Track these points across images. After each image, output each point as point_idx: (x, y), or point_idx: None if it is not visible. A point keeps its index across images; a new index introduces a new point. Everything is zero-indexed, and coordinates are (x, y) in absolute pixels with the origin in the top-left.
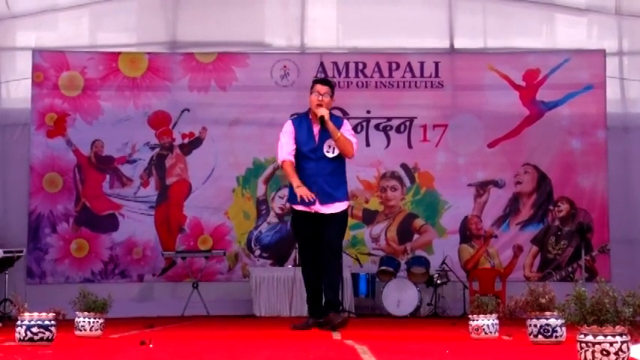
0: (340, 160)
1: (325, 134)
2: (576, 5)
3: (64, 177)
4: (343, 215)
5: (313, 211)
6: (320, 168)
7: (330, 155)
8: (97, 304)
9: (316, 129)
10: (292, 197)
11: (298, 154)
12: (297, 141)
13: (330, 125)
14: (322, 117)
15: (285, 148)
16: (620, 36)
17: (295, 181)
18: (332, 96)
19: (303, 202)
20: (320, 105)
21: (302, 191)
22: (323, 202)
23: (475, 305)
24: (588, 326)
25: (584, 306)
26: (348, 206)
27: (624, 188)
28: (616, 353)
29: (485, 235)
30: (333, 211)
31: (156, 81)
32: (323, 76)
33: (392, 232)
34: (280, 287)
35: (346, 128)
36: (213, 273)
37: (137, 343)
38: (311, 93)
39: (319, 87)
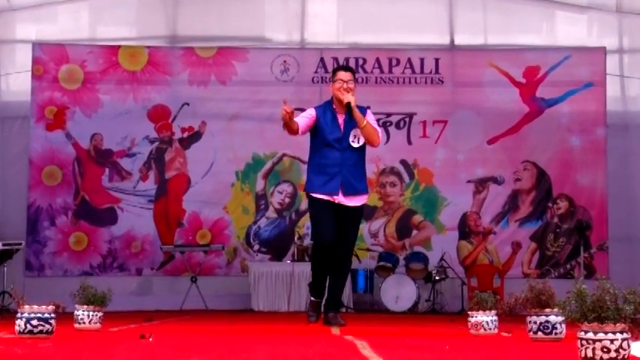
0: (363, 150)
1: (351, 124)
2: (577, 3)
3: (64, 170)
4: (362, 209)
5: (336, 202)
6: (345, 158)
7: (355, 145)
8: (97, 298)
9: (341, 118)
10: (311, 185)
11: (322, 143)
12: (320, 129)
13: (357, 112)
14: (349, 103)
15: (299, 127)
16: (620, 34)
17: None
18: (355, 83)
19: (324, 190)
20: (347, 91)
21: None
22: (346, 194)
23: (474, 302)
24: (589, 323)
25: (584, 303)
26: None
27: (623, 186)
28: (616, 350)
29: (484, 231)
30: (356, 204)
31: (156, 75)
32: (323, 71)
33: (391, 228)
34: (279, 282)
35: (370, 117)
36: (211, 267)
37: (136, 337)
38: (333, 82)
39: (342, 74)
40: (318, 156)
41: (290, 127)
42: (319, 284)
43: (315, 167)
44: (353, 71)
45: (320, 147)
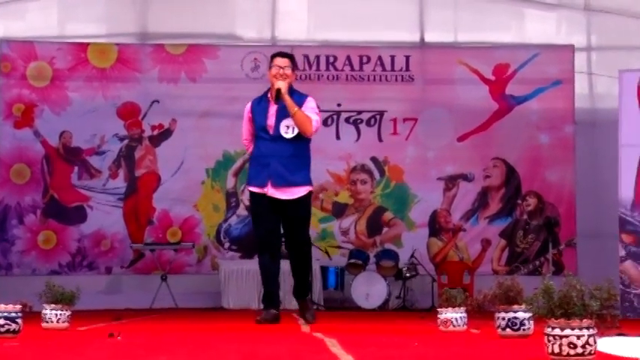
0: (301, 141)
1: (284, 113)
2: (546, 1)
3: (32, 168)
4: (304, 203)
5: (268, 195)
6: (276, 149)
7: (287, 136)
8: (65, 296)
9: (273, 108)
10: (247, 178)
11: (256, 133)
12: (253, 119)
13: (287, 99)
14: (279, 90)
15: (243, 135)
16: (588, 31)
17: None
18: (294, 69)
19: (255, 182)
20: (282, 77)
21: None
22: (277, 186)
23: (444, 298)
24: (556, 319)
25: (551, 299)
26: (310, 192)
27: (591, 183)
28: (583, 346)
29: (454, 228)
30: (290, 197)
31: (125, 72)
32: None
33: (361, 226)
34: (249, 280)
35: (309, 105)
36: (182, 265)
37: (105, 336)
38: (270, 68)
39: (279, 60)
40: (255, 148)
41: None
42: (270, 291)
43: (252, 159)
44: (291, 57)
45: (256, 138)
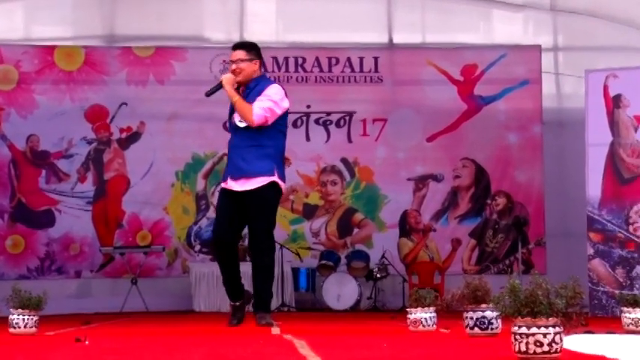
0: (263, 131)
1: None
2: (513, 1)
3: None
4: (261, 194)
5: (228, 188)
6: (236, 141)
7: (242, 125)
8: (32, 301)
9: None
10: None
11: None
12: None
13: (227, 90)
14: (220, 82)
15: None
16: (555, 32)
17: None
18: (253, 59)
19: (223, 177)
20: (235, 72)
21: None
22: (234, 178)
23: (413, 299)
24: (522, 318)
25: (518, 298)
26: (271, 183)
27: (559, 182)
28: (549, 344)
29: (424, 228)
30: (248, 188)
31: (92, 75)
32: (263, 70)
33: (332, 227)
34: (220, 282)
35: (268, 92)
36: (152, 269)
37: (72, 340)
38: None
39: (232, 54)
40: None
41: None
42: (231, 284)
43: None
44: (246, 46)
45: None
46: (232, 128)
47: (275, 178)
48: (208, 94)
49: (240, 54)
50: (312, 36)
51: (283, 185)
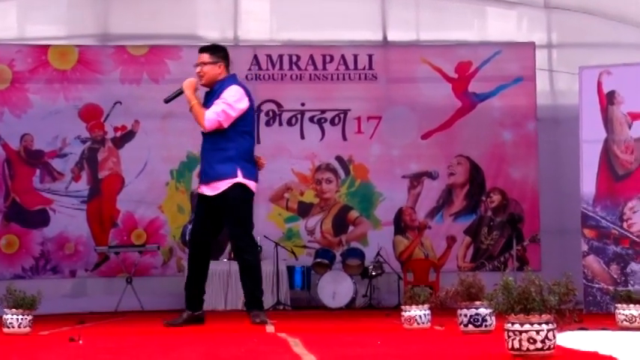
0: (222, 134)
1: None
2: None
3: None
4: (229, 197)
5: (201, 192)
6: (204, 145)
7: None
8: (26, 301)
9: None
10: None
11: None
12: None
13: (187, 95)
14: (180, 88)
15: None
16: (549, 29)
17: None
18: (218, 62)
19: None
20: (199, 76)
21: None
22: (204, 182)
23: (408, 296)
24: (515, 315)
25: (511, 295)
26: (236, 185)
27: (554, 179)
28: (542, 341)
29: (420, 226)
30: (215, 192)
31: (86, 74)
32: (257, 69)
33: (327, 225)
34: (215, 281)
35: (224, 95)
36: (147, 267)
37: (66, 340)
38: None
39: (198, 57)
40: None
41: None
42: (192, 289)
43: None
44: (211, 49)
45: None
46: (202, 133)
47: (239, 180)
48: (167, 100)
49: (204, 57)
50: (306, 34)
51: (252, 184)
